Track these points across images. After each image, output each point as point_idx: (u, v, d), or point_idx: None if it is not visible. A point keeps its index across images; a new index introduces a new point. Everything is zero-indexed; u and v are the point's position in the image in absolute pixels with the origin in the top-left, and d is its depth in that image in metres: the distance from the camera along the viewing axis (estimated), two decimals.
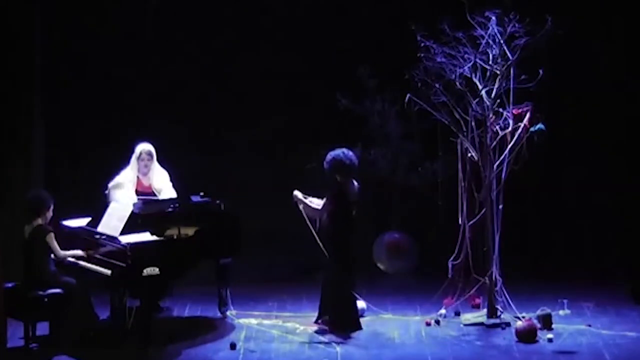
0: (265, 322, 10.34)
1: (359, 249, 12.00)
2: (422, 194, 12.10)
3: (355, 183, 10.29)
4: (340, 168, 10.10)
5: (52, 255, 9.60)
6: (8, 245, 9.76)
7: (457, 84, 9.91)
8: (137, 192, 10.34)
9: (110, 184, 10.32)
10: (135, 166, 10.39)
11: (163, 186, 10.40)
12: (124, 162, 11.76)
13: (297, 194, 10.16)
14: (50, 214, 9.68)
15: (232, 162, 12.17)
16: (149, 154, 10.38)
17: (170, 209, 9.84)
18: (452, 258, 10.32)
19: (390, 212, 12.31)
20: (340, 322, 10.08)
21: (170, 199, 10.09)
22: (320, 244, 10.10)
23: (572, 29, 10.18)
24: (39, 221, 9.57)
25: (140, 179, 10.40)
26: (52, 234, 9.55)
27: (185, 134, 12.03)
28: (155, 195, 10.35)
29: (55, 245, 9.55)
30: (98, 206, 10.02)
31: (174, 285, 10.40)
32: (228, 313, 10.47)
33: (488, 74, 9.95)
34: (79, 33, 11.89)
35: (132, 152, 10.42)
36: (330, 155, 10.12)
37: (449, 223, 10.59)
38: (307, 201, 10.17)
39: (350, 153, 10.16)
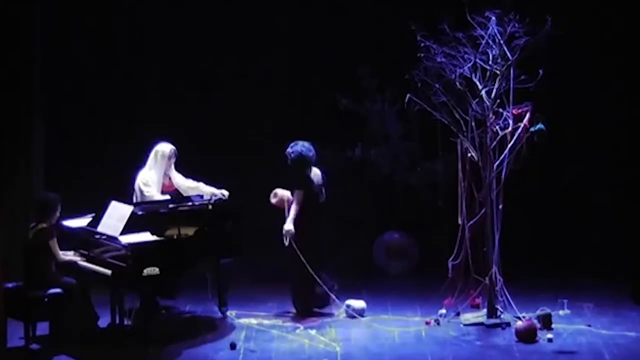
0: (265, 322, 10.34)
1: (360, 250, 12.08)
2: (421, 194, 12.11)
3: (318, 170, 10.63)
4: (306, 161, 10.50)
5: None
6: (8, 246, 9.77)
7: (457, 84, 9.91)
8: (162, 193, 10.39)
9: (142, 182, 10.37)
10: (162, 166, 10.43)
11: (188, 182, 10.49)
12: (123, 162, 11.78)
13: (287, 228, 10.43)
14: (57, 214, 9.68)
15: (232, 162, 12.17)
16: (176, 152, 10.47)
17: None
18: (452, 258, 10.32)
19: (390, 212, 12.32)
20: (306, 305, 10.48)
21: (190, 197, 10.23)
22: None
23: (572, 29, 10.19)
24: (44, 224, 9.56)
25: (163, 179, 10.46)
26: (55, 239, 9.54)
27: (185, 133, 12.01)
28: (179, 193, 10.44)
29: (56, 249, 9.54)
30: (98, 206, 10.02)
31: (178, 287, 10.44)
32: (228, 313, 10.49)
33: (488, 74, 9.94)
34: (80, 33, 11.90)
35: (148, 153, 10.47)
36: (294, 152, 10.49)
37: (449, 223, 10.58)
38: (290, 217, 10.46)
39: (307, 144, 10.54)
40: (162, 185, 10.45)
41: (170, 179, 10.54)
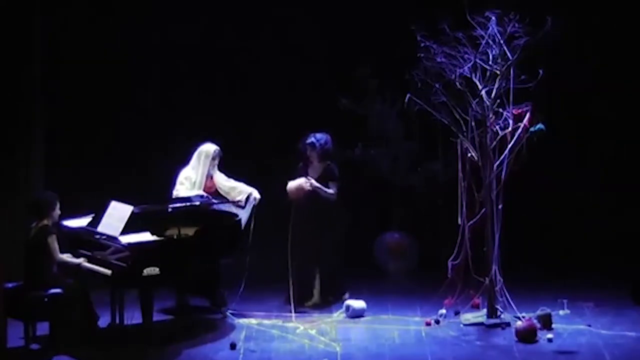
0: (265, 322, 10.34)
1: (360, 250, 12.08)
2: (422, 194, 12.11)
3: None
4: (331, 153, 10.89)
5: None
6: (8, 246, 9.76)
7: (457, 84, 9.91)
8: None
9: (178, 180, 10.51)
10: (205, 166, 10.51)
11: (230, 182, 10.59)
12: (124, 162, 11.79)
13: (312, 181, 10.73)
14: (57, 212, 9.67)
15: (232, 162, 12.15)
16: (220, 153, 10.57)
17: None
18: (452, 258, 10.32)
19: (390, 212, 12.31)
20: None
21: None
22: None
23: (572, 28, 10.20)
24: (45, 222, 9.56)
25: (206, 179, 10.54)
26: (55, 236, 9.52)
27: (186, 134, 12.02)
28: (219, 194, 10.55)
29: (55, 247, 9.51)
30: (98, 206, 10.02)
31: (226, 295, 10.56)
32: (228, 313, 10.49)
33: (488, 74, 9.94)
34: (81, 31, 11.90)
35: (191, 153, 10.59)
36: (325, 141, 10.80)
37: (449, 223, 10.58)
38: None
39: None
40: (204, 185, 10.51)
41: (212, 179, 10.58)
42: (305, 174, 10.80)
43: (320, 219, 10.75)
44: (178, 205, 9.98)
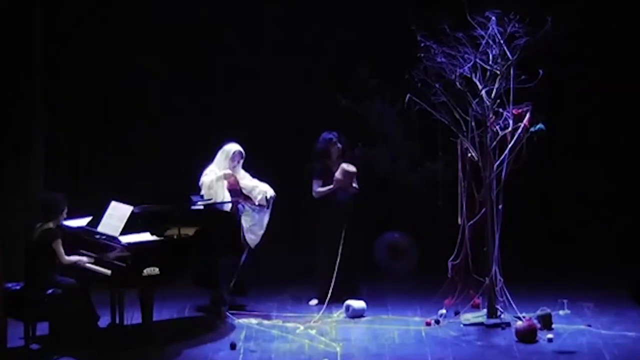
0: (265, 322, 10.35)
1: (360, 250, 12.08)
2: (422, 194, 12.11)
3: None
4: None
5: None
6: (8, 246, 9.75)
7: (457, 84, 9.91)
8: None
9: (204, 173, 10.54)
10: (225, 164, 10.55)
11: (252, 182, 10.63)
12: (124, 162, 11.78)
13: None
14: (63, 216, 9.65)
15: None
16: (241, 154, 10.58)
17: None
18: (452, 258, 10.32)
19: (390, 212, 12.31)
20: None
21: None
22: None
23: (572, 28, 10.20)
24: (50, 224, 9.54)
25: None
26: (60, 240, 9.49)
27: (186, 134, 12.03)
28: (242, 193, 10.59)
29: (61, 250, 9.48)
30: (98, 206, 10.02)
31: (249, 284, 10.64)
32: (228, 313, 10.49)
33: (488, 74, 9.94)
34: (81, 31, 11.90)
35: (216, 151, 10.63)
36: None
37: (449, 223, 10.58)
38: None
39: None
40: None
41: (235, 177, 10.62)
42: (328, 172, 10.81)
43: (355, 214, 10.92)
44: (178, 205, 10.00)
